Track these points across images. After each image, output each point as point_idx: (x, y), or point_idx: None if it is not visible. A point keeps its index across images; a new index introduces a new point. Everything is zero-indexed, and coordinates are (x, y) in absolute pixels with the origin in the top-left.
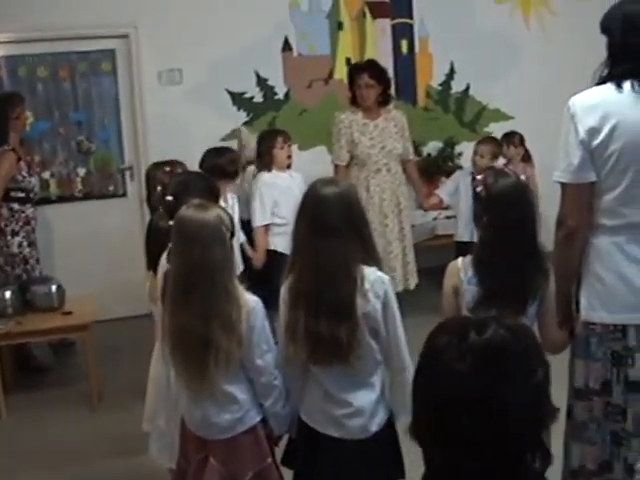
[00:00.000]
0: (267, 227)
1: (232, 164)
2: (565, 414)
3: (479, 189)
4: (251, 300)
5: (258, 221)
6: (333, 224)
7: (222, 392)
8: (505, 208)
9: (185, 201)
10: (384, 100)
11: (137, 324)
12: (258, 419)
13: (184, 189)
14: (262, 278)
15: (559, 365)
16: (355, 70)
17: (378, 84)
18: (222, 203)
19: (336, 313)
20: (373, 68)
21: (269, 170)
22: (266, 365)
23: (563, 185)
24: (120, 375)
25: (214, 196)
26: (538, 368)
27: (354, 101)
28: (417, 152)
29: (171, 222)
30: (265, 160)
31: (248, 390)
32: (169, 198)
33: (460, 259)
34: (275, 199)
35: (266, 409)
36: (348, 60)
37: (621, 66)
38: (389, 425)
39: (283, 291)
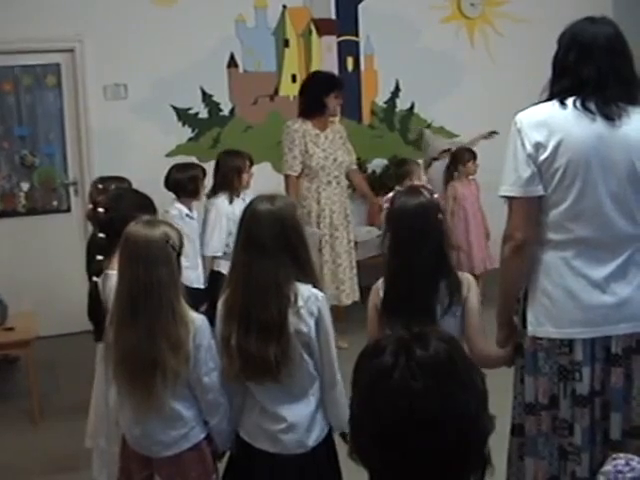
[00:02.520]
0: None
1: (192, 182)
2: (509, 431)
3: (385, 206)
4: (197, 318)
5: (209, 251)
6: (265, 241)
7: (169, 409)
8: (405, 225)
9: (117, 215)
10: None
11: (79, 340)
12: (203, 436)
13: (116, 203)
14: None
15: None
16: (341, 83)
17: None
18: (182, 219)
19: (266, 331)
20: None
21: (234, 195)
22: (212, 383)
23: (511, 199)
24: (62, 391)
25: (149, 211)
26: (477, 378)
27: (307, 111)
28: (362, 169)
29: (102, 235)
30: (234, 184)
31: (193, 407)
32: (100, 210)
33: (381, 279)
34: (231, 230)
35: (211, 426)
36: (294, 77)
37: (561, 83)
38: (328, 440)
39: (219, 305)
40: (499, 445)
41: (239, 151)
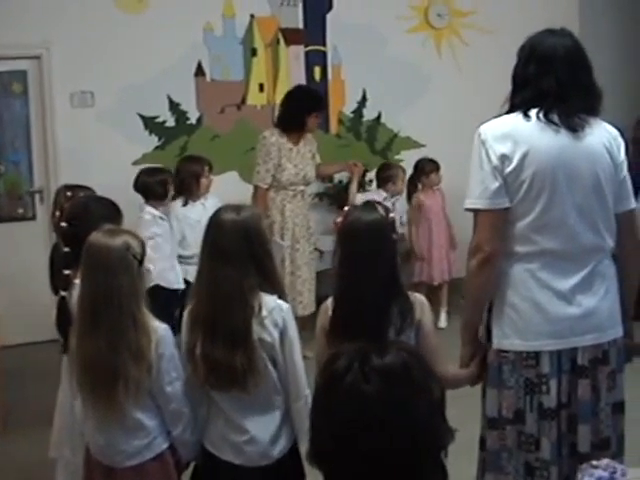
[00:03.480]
0: None
1: (161, 185)
2: (478, 444)
3: (338, 220)
4: (160, 328)
5: None
6: (229, 251)
7: (130, 419)
8: (357, 241)
9: (81, 227)
10: None
11: (44, 349)
12: (166, 446)
13: (80, 215)
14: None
15: None
16: (323, 104)
17: None
18: (155, 222)
19: (231, 340)
20: None
21: (191, 199)
22: (175, 392)
23: (478, 212)
24: (26, 401)
25: (114, 220)
26: (434, 387)
27: (286, 126)
28: (329, 179)
29: (67, 249)
30: (192, 188)
31: (156, 417)
32: (63, 224)
33: (330, 298)
34: (183, 233)
35: (175, 436)
36: (261, 86)
37: (522, 94)
38: (293, 452)
39: (185, 314)
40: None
41: (198, 157)
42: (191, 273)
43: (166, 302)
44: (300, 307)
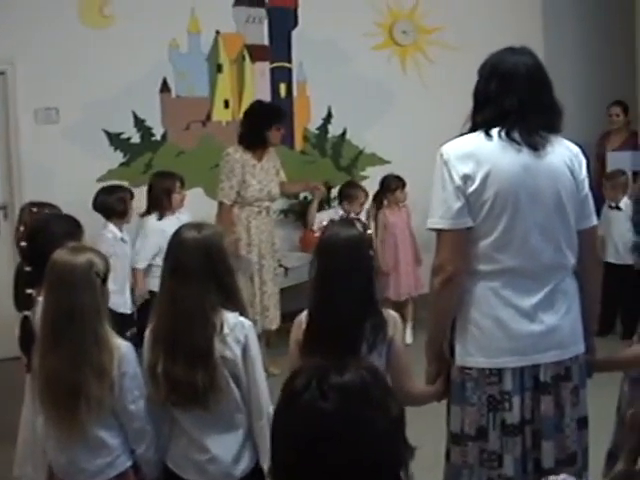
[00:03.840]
0: (145, 271)
1: (121, 203)
2: (444, 457)
3: (317, 235)
4: (122, 345)
5: (134, 264)
6: (190, 269)
7: (92, 437)
8: (334, 256)
9: (42, 245)
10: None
11: (5, 367)
12: (129, 464)
13: (40, 233)
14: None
15: None
16: (281, 115)
17: None
18: (116, 242)
19: (192, 357)
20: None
21: (164, 214)
22: (138, 411)
23: (440, 231)
24: None
25: (74, 237)
26: (393, 407)
27: (248, 142)
28: (294, 196)
29: (28, 268)
30: (164, 204)
31: (119, 435)
32: (23, 244)
33: (304, 313)
34: (160, 246)
35: (138, 455)
36: (226, 102)
37: (483, 113)
38: (256, 471)
39: (147, 332)
40: None
41: (170, 172)
42: None
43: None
44: (268, 321)
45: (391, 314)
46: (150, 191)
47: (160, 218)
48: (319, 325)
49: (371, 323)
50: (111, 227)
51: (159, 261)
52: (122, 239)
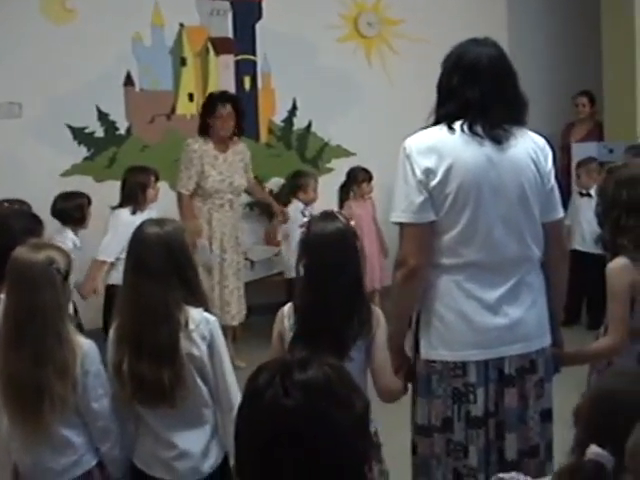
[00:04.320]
0: (110, 265)
1: (78, 210)
2: (410, 450)
3: (302, 230)
4: (85, 343)
5: (102, 256)
6: (152, 265)
7: (57, 436)
8: (321, 251)
9: (1, 242)
10: (239, 132)
11: None
12: (94, 463)
13: (0, 229)
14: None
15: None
16: (219, 100)
17: (237, 116)
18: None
19: (158, 354)
20: (235, 99)
21: (138, 209)
22: (102, 409)
23: (403, 225)
24: None
25: (34, 234)
26: (357, 403)
27: (205, 131)
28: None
29: None
30: (138, 198)
31: (83, 434)
32: None
33: (287, 306)
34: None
35: (103, 453)
36: (191, 95)
37: (446, 106)
38: (224, 466)
39: (111, 331)
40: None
41: (144, 167)
42: None
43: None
44: (229, 317)
45: (375, 309)
46: (124, 185)
47: (133, 212)
48: (311, 319)
49: (359, 317)
50: (70, 234)
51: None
52: (78, 248)
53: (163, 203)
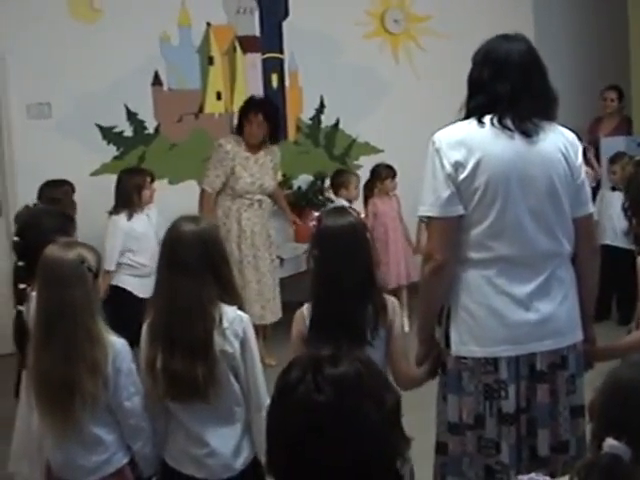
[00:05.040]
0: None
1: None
2: (434, 449)
3: (312, 224)
4: (117, 342)
5: (107, 266)
6: (189, 262)
7: (88, 434)
8: (334, 244)
9: (33, 240)
10: (272, 140)
11: (2, 362)
12: (125, 461)
13: (31, 228)
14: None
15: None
16: (253, 107)
17: (269, 124)
18: None
19: (192, 350)
20: (268, 109)
21: (134, 212)
22: (134, 407)
23: (430, 219)
24: None
25: (66, 232)
26: (389, 398)
27: (240, 131)
28: (287, 185)
29: (20, 263)
30: (134, 201)
31: (115, 431)
32: (15, 239)
33: (306, 305)
34: (129, 247)
35: (135, 451)
36: (218, 94)
37: (476, 100)
38: (256, 463)
39: (144, 328)
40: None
41: (139, 168)
42: (138, 284)
43: None
44: (269, 314)
45: (390, 299)
46: (118, 188)
47: (130, 217)
48: (325, 313)
49: (373, 306)
50: None
51: (128, 259)
52: None
53: (192, 203)
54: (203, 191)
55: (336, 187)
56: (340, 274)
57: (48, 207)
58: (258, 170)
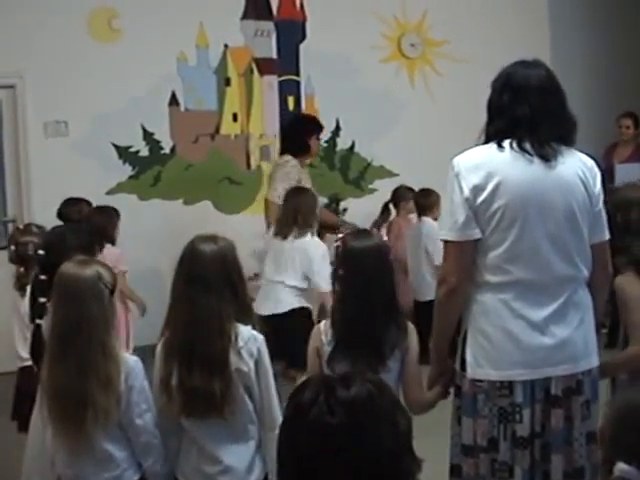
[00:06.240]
0: None
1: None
2: (448, 472)
3: (337, 244)
4: (130, 359)
5: None
6: (209, 278)
7: (100, 450)
8: (362, 263)
9: (56, 256)
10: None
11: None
12: (136, 478)
13: (55, 244)
14: None
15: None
16: (321, 127)
17: None
18: None
19: (209, 367)
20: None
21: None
22: (146, 425)
23: (447, 243)
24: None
25: (89, 252)
26: (401, 419)
27: (294, 151)
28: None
29: (43, 276)
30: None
31: (126, 448)
32: (40, 252)
33: (323, 322)
34: None
35: (146, 469)
36: (235, 115)
37: (496, 124)
38: None
39: (159, 346)
40: None
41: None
42: None
43: None
44: None
45: (408, 323)
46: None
47: None
48: (353, 332)
49: (396, 326)
50: None
51: None
52: None
53: (206, 222)
54: (272, 203)
55: (424, 208)
56: (369, 294)
57: (75, 225)
58: (306, 182)
